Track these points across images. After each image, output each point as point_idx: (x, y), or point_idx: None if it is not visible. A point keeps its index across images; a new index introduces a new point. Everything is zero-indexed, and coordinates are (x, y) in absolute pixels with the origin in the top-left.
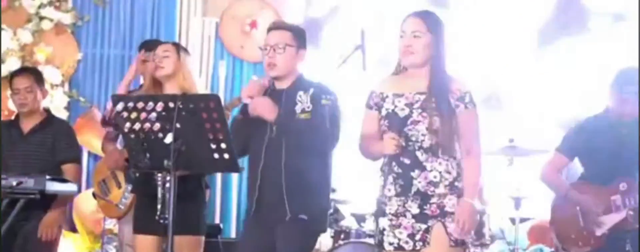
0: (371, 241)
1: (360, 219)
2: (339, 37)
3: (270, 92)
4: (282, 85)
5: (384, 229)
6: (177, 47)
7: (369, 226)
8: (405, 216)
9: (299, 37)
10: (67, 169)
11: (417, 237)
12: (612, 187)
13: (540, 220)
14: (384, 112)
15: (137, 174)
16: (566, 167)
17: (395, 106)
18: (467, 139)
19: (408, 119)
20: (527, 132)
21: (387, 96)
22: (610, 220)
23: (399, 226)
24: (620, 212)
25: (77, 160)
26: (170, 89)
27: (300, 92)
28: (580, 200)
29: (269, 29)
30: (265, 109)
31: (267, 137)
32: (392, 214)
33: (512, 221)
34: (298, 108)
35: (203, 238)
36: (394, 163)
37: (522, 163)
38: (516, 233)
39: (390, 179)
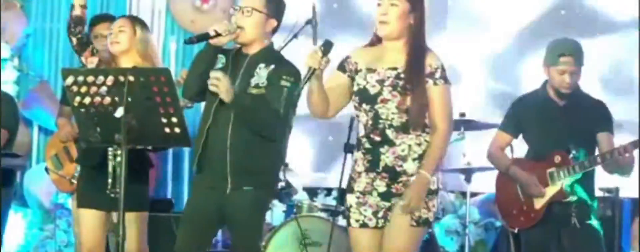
0: (323, 215)
1: (312, 193)
2: (291, 11)
3: (235, 55)
4: (248, 50)
5: (350, 206)
6: (133, 21)
7: (321, 200)
8: (371, 194)
9: (271, 5)
10: None
11: (380, 214)
12: (548, 161)
13: (491, 194)
14: (355, 87)
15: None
16: (510, 145)
17: (367, 82)
18: (434, 115)
19: (378, 96)
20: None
21: (360, 70)
22: (547, 193)
23: (365, 203)
24: (556, 185)
25: (6, 128)
26: (125, 64)
27: (261, 65)
28: (520, 175)
29: None
30: (222, 87)
31: (219, 98)
32: (360, 192)
33: (463, 194)
34: (253, 81)
35: (147, 214)
36: (364, 139)
37: (474, 137)
38: (467, 207)
39: (360, 154)
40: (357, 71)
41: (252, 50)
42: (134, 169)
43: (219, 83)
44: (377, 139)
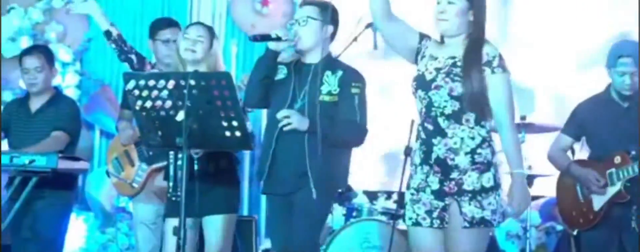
0: (383, 218)
1: (372, 196)
2: (351, 15)
3: (297, 66)
4: (309, 59)
5: (406, 203)
6: (211, 33)
7: (381, 203)
8: (425, 191)
9: (325, 12)
10: (54, 135)
11: (435, 214)
12: (608, 161)
13: (552, 198)
14: (416, 72)
15: (151, 153)
16: (571, 148)
17: (426, 69)
18: (494, 104)
19: (432, 83)
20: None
21: (425, 55)
22: (607, 193)
23: (418, 201)
24: (615, 185)
25: (66, 130)
26: None
27: (328, 72)
28: (579, 172)
29: (299, 7)
30: (296, 123)
31: (287, 105)
32: (414, 188)
33: None
34: (324, 88)
35: (235, 216)
36: (420, 128)
37: (535, 140)
38: (528, 211)
39: (418, 144)
40: (423, 56)
41: (314, 59)
42: (220, 170)
43: (291, 120)
44: (430, 127)
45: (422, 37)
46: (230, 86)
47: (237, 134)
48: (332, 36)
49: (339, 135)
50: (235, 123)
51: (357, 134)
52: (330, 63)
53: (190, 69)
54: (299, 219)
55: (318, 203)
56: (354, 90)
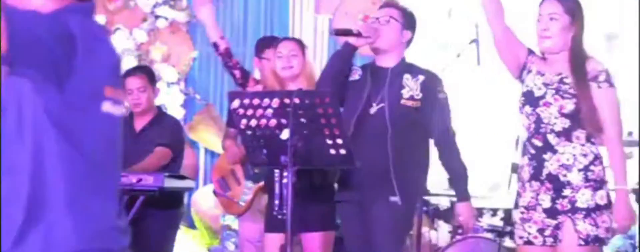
0: (489, 235)
1: (477, 213)
2: (454, 31)
3: (373, 68)
4: (385, 63)
5: (515, 222)
6: (302, 46)
7: (486, 220)
8: (535, 209)
9: (407, 17)
10: (157, 150)
11: (547, 232)
12: None
13: None
14: (523, 88)
15: (256, 171)
16: None
17: (534, 84)
18: (602, 119)
19: (541, 99)
20: None
21: (531, 70)
22: None
23: (529, 219)
24: None
25: (169, 146)
26: (292, 88)
27: (407, 75)
28: None
29: (379, 8)
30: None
31: (360, 108)
32: (524, 207)
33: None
34: (405, 92)
35: (333, 233)
36: (527, 143)
37: None
38: (637, 227)
39: (526, 159)
40: (529, 71)
41: (391, 62)
42: (318, 188)
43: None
44: (539, 144)
45: (530, 52)
46: (333, 104)
47: (342, 151)
48: (408, 43)
49: (419, 130)
50: (339, 141)
51: (454, 140)
52: (408, 67)
53: (290, 85)
54: (383, 230)
55: (403, 210)
56: (441, 96)
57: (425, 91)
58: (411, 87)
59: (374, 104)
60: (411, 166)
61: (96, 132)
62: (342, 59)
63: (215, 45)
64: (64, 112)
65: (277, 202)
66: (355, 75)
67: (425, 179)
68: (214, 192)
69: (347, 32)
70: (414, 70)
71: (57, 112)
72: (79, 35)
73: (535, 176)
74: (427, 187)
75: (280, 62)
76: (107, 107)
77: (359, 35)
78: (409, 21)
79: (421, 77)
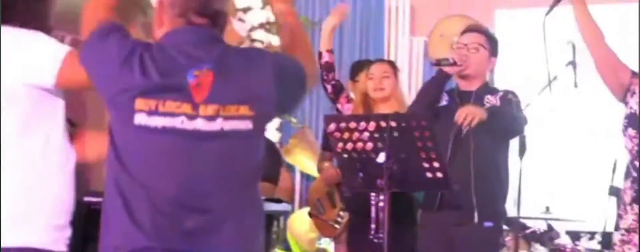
0: None
1: (575, 237)
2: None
3: (459, 93)
4: (469, 87)
5: (614, 244)
6: (395, 68)
7: (584, 244)
8: (637, 232)
9: (493, 43)
10: (261, 186)
11: None
12: None
13: None
14: (627, 110)
15: (347, 194)
16: None
17: (639, 106)
18: None
19: None
20: None
21: (635, 93)
22: None
23: (629, 241)
24: None
25: (269, 179)
26: (383, 110)
27: (488, 96)
28: None
29: (464, 31)
30: (477, 114)
31: (452, 134)
32: (625, 229)
33: None
34: (485, 104)
35: None
36: (630, 166)
37: None
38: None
39: (628, 183)
40: (633, 93)
41: (474, 86)
42: (401, 213)
43: (469, 113)
44: None
45: (633, 74)
46: (430, 127)
47: (439, 175)
48: (492, 69)
49: (496, 121)
50: (436, 164)
51: (520, 122)
52: (490, 88)
53: (380, 106)
54: None
55: (491, 234)
56: (512, 98)
57: (502, 100)
58: (491, 102)
59: (464, 128)
60: (492, 186)
61: None
62: (436, 86)
63: (319, 54)
64: None
65: (373, 226)
66: (443, 101)
67: (505, 199)
68: (310, 214)
69: (444, 63)
70: (494, 90)
71: None
72: None
73: (638, 198)
74: (521, 212)
75: (372, 83)
76: None
77: (454, 64)
78: (494, 47)
79: (500, 93)
